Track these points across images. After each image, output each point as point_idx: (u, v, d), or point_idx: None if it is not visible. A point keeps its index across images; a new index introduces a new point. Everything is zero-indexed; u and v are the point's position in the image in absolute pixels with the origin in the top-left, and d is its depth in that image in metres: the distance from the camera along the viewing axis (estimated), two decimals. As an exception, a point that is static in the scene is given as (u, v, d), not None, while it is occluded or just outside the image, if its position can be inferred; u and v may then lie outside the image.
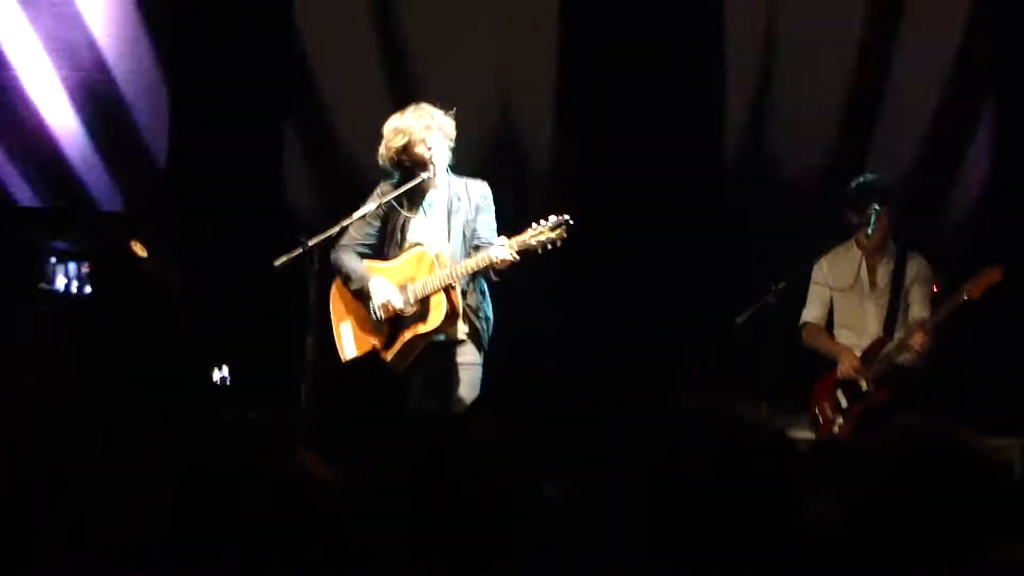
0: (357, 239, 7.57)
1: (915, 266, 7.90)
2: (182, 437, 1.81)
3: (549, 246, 7.23)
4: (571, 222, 7.20)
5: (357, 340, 7.53)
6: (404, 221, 7.52)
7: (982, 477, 2.45)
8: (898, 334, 7.77)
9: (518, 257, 7.22)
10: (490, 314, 7.52)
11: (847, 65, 9.06)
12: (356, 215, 7.43)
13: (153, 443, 2.61)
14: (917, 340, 7.64)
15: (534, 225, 7.24)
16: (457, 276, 7.34)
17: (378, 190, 7.54)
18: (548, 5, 9.17)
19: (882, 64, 9.03)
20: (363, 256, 7.56)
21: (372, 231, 7.59)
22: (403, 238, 7.54)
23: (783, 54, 9.15)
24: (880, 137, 9.03)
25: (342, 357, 7.49)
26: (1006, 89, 8.94)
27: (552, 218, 7.23)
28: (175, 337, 2.82)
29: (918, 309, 7.82)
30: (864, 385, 7.79)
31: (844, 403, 7.84)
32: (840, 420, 7.83)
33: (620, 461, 2.17)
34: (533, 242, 7.23)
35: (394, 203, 7.49)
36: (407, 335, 7.43)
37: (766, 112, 9.17)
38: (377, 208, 7.49)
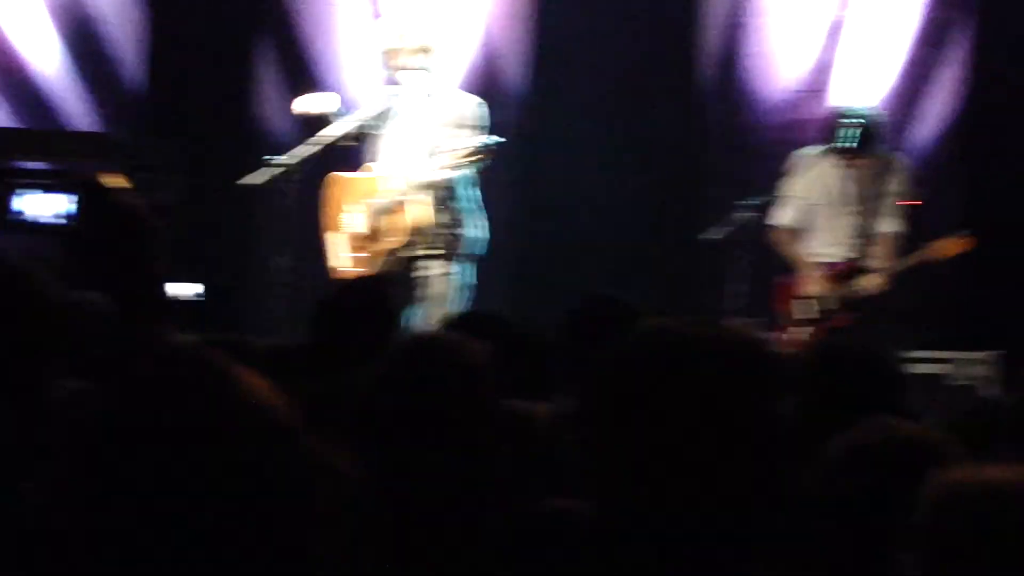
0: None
1: (896, 169, 7.91)
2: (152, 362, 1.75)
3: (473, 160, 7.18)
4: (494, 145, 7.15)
5: (354, 251, 7.47)
6: (381, 130, 7.45)
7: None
8: (869, 260, 7.83)
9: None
10: (473, 231, 7.40)
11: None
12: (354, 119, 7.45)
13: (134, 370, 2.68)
14: (874, 283, 7.75)
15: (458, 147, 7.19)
16: (414, 190, 7.25)
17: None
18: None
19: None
20: None
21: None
22: (377, 148, 7.47)
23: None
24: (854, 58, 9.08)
25: (334, 266, 7.49)
26: (985, 10, 9.00)
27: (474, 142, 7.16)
28: (154, 267, 2.87)
29: (888, 223, 7.81)
30: (830, 304, 7.81)
31: (807, 314, 7.83)
32: (801, 329, 7.79)
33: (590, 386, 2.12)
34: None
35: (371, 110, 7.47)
36: (374, 248, 7.37)
37: (739, 35, 9.20)
38: (364, 115, 7.49)
